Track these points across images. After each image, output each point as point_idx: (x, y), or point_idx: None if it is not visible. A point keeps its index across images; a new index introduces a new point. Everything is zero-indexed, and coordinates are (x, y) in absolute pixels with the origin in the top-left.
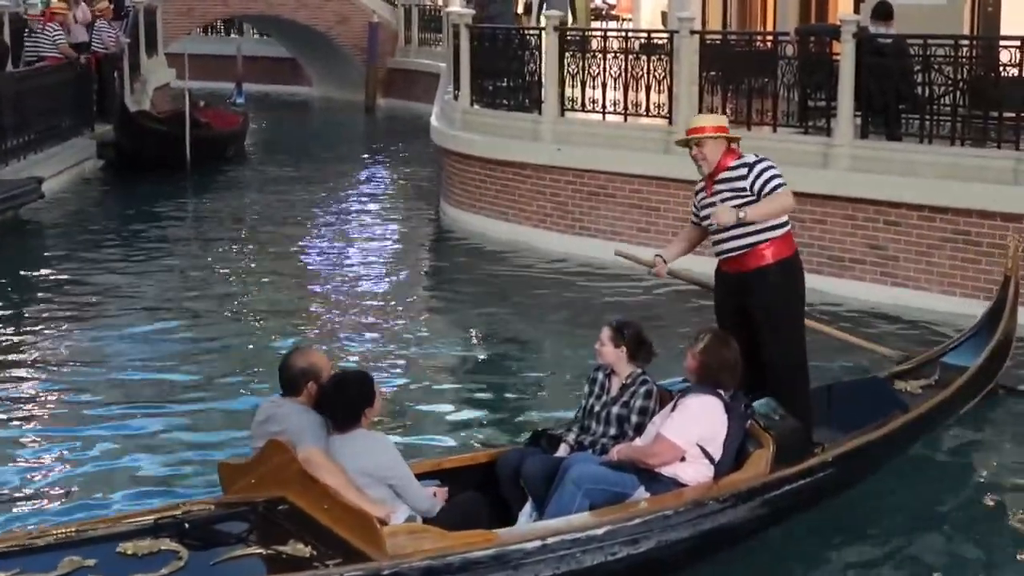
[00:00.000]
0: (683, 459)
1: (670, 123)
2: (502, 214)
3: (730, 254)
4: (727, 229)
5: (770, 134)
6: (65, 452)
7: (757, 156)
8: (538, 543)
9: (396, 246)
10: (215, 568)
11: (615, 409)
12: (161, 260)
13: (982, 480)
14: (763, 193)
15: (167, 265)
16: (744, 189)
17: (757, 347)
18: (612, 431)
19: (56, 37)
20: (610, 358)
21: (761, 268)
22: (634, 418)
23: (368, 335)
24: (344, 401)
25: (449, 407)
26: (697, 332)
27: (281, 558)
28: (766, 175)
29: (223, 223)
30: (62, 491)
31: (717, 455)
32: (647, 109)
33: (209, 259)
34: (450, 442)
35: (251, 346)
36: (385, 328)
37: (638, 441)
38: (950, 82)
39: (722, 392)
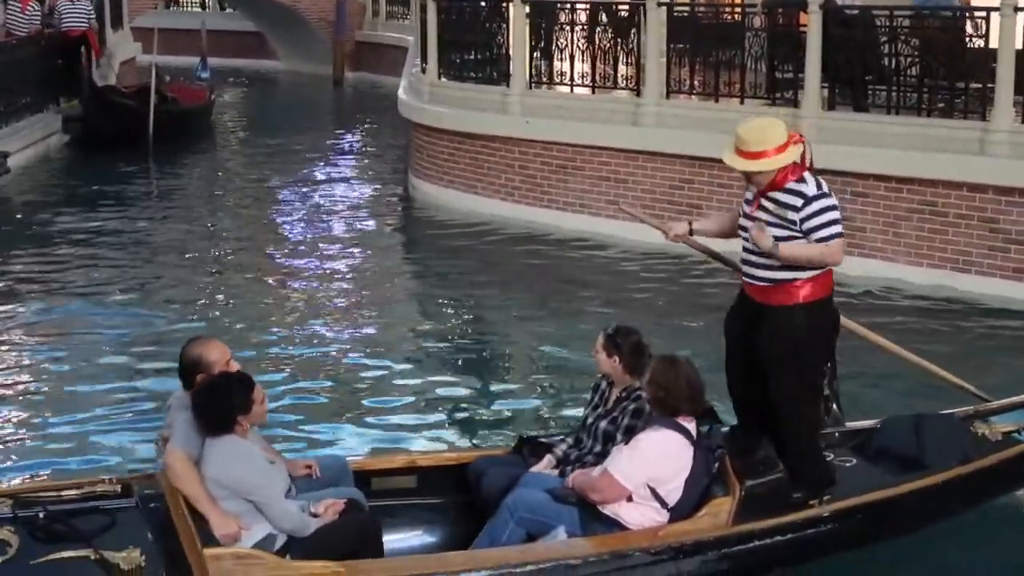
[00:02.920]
0: (630, 499)
1: (638, 95)
2: (471, 187)
3: (754, 281)
4: (759, 252)
5: (738, 106)
6: (21, 420)
7: (820, 187)
8: None
9: (364, 220)
10: (34, 567)
11: (603, 424)
12: (126, 235)
13: None
14: (811, 237)
15: (132, 240)
16: (793, 223)
17: (762, 379)
18: (598, 448)
19: (33, 17)
20: (605, 368)
21: (785, 307)
22: (619, 437)
23: (333, 313)
24: (214, 406)
25: (414, 395)
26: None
27: (104, 563)
28: (821, 219)
29: (188, 198)
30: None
31: (673, 498)
32: (615, 81)
33: (174, 235)
34: (415, 434)
35: (211, 321)
36: (351, 305)
37: (597, 470)
38: (916, 53)
39: (685, 424)
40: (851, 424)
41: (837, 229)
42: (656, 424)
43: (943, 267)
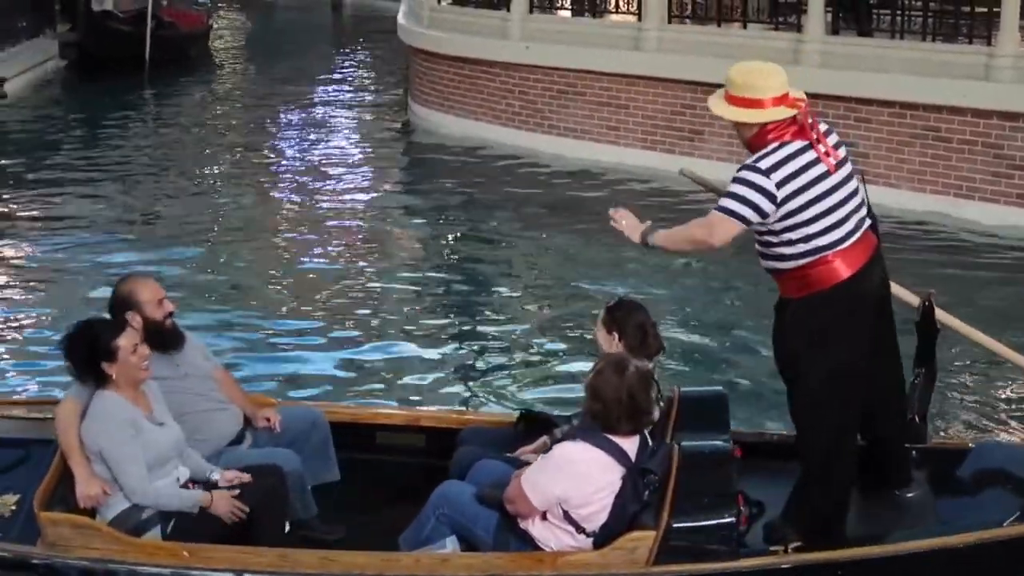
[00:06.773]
0: (545, 517)
1: (639, 19)
2: (471, 113)
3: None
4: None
5: (740, 31)
6: (7, 355)
7: (762, 159)
8: (229, 572)
9: (364, 146)
10: None
11: None
12: (124, 164)
13: None
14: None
15: (129, 169)
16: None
17: None
18: None
19: None
20: (604, 347)
21: (784, 300)
22: None
23: (332, 243)
24: (74, 353)
25: (411, 334)
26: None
27: None
28: (728, 187)
29: (185, 124)
30: None
31: (593, 523)
32: (616, 5)
33: (172, 162)
34: (414, 378)
35: (208, 258)
36: (350, 234)
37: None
38: None
39: (619, 442)
40: (940, 442)
41: (730, 204)
42: (580, 436)
43: (946, 193)
